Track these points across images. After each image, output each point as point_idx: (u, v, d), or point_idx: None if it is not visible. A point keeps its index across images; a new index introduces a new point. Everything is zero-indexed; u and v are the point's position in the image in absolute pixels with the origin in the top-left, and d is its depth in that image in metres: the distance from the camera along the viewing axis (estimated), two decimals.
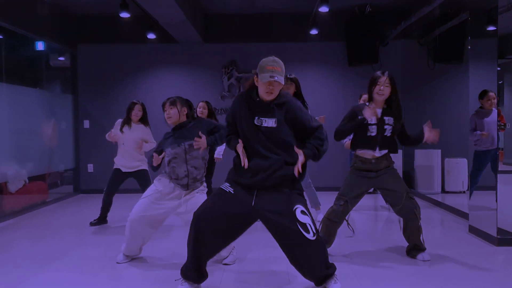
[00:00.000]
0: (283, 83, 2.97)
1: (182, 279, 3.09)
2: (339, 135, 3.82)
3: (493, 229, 4.36)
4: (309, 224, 2.89)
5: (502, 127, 4.57)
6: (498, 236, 4.29)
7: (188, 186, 3.66)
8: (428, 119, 8.15)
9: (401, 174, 7.71)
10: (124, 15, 6.31)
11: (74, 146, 8.01)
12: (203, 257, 3.03)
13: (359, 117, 3.74)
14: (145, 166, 5.26)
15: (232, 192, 3.02)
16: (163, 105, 3.73)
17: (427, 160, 7.62)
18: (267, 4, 7.59)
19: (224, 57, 8.05)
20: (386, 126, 3.75)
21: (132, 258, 3.90)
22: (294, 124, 3.02)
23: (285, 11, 7.96)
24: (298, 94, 4.80)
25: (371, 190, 4.11)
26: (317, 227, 3.10)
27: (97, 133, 7.77)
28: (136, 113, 5.20)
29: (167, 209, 3.66)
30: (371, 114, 3.68)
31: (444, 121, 7.63)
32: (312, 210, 4.80)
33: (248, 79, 5.16)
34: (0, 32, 6.05)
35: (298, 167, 2.92)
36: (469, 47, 4.89)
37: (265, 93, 2.96)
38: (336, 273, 3.04)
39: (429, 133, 3.83)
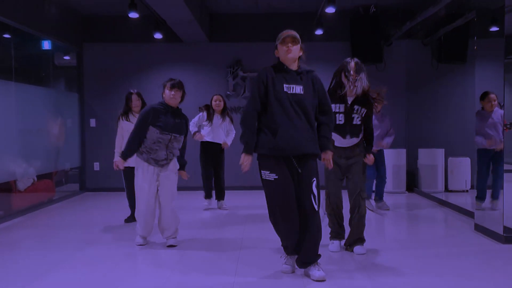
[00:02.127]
0: (299, 40, 3.36)
1: (286, 255, 3.48)
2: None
3: (499, 227, 4.43)
4: (317, 197, 3.35)
5: (508, 126, 4.65)
6: (505, 234, 4.36)
7: (163, 166, 4.22)
8: (431, 118, 8.27)
9: (404, 173, 7.82)
10: (133, 15, 6.37)
11: (80, 145, 8.08)
12: (293, 233, 3.37)
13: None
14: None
15: (277, 177, 3.30)
16: (172, 86, 4.13)
17: (430, 159, 7.69)
18: (271, 4, 7.66)
19: (229, 56, 8.12)
20: (353, 115, 3.91)
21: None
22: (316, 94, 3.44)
23: (289, 11, 8.03)
24: None
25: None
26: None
27: (103, 132, 7.83)
28: (135, 103, 5.23)
29: (152, 188, 4.21)
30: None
31: (448, 121, 7.73)
32: None
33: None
34: (8, 32, 6.10)
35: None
36: (475, 47, 4.94)
37: (284, 53, 3.34)
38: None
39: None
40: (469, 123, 5.25)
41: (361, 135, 4.01)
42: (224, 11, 8.06)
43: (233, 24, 8.14)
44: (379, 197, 6.19)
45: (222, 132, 6.06)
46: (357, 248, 4.04)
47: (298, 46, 3.37)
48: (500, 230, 4.42)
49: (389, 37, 7.90)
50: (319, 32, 7.61)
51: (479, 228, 4.85)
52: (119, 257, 4.03)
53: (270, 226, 3.50)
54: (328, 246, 4.13)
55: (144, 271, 3.71)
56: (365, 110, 3.96)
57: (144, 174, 4.18)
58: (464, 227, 5.17)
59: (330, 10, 6.30)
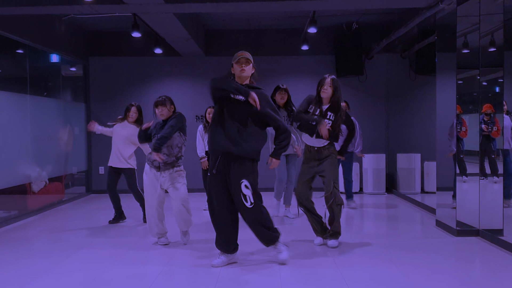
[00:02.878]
0: (251, 61, 3.92)
1: (219, 252, 3.95)
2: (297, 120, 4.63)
3: (453, 222, 5.11)
4: (248, 196, 3.78)
5: (458, 130, 5.26)
6: (458, 228, 5.04)
7: (159, 168, 4.54)
8: (409, 125, 8.87)
9: (384, 176, 8.49)
10: (136, 34, 7.00)
11: (86, 150, 8.76)
12: (220, 227, 3.94)
13: (313, 122, 4.47)
14: (133, 166, 5.83)
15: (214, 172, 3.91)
16: (155, 105, 4.60)
17: (408, 163, 8.36)
18: (262, 22, 8.34)
19: (223, 69, 8.70)
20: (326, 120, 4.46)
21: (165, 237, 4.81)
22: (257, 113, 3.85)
23: (278, 28, 8.72)
24: (288, 102, 5.64)
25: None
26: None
27: (107, 139, 8.42)
28: (132, 114, 5.81)
29: (158, 189, 4.58)
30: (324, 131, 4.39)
31: (424, 128, 8.37)
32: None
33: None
34: (23, 49, 6.78)
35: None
36: (436, 60, 5.65)
37: (239, 72, 3.89)
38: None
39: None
40: (441, 130, 5.85)
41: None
42: (219, 28, 8.74)
43: (227, 39, 8.81)
44: (349, 196, 6.94)
45: None
46: (331, 242, 4.62)
47: (251, 65, 3.95)
48: (453, 225, 5.10)
49: (370, 51, 8.57)
50: (305, 47, 8.25)
51: (439, 224, 5.53)
52: (119, 254, 4.65)
53: None
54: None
55: (139, 265, 4.25)
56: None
57: (149, 178, 4.61)
58: (429, 223, 5.83)
59: (312, 30, 6.91)
